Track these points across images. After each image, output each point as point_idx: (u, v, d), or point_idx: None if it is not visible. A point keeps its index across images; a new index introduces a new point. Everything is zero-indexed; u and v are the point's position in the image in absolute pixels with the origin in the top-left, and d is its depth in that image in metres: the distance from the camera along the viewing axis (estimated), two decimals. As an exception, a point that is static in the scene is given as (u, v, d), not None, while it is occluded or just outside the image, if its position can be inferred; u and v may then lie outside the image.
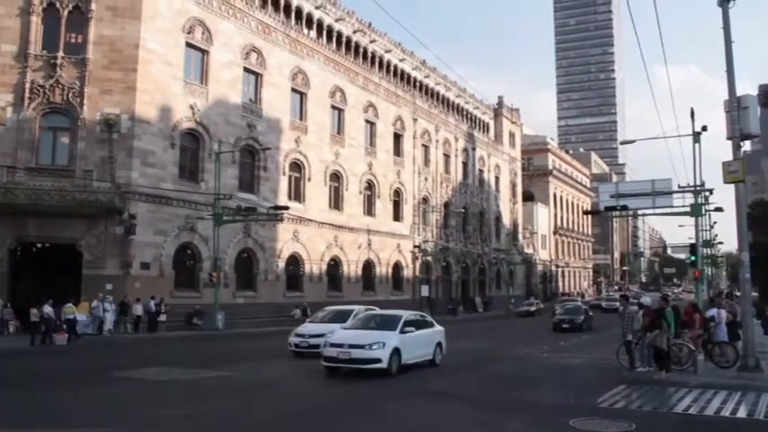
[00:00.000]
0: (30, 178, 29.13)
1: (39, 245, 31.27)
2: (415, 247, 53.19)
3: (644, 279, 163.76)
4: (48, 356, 21.63)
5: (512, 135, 77.63)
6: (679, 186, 30.95)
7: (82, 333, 26.97)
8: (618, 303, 44.11)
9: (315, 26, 44.52)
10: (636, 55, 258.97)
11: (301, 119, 42.04)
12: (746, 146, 28.69)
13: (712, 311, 19.22)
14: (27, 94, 29.71)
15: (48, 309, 25.16)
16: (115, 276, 30.24)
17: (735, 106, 15.21)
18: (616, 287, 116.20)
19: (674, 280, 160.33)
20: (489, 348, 25.35)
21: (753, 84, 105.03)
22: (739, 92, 15.39)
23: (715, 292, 43.78)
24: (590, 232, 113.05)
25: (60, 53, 30.27)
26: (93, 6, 30.76)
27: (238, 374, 16.50)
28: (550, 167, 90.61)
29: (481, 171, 68.15)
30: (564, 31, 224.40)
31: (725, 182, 15.41)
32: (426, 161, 56.74)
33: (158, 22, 32.30)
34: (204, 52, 35.19)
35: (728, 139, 15.52)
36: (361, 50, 49.44)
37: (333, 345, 16.05)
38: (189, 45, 34.32)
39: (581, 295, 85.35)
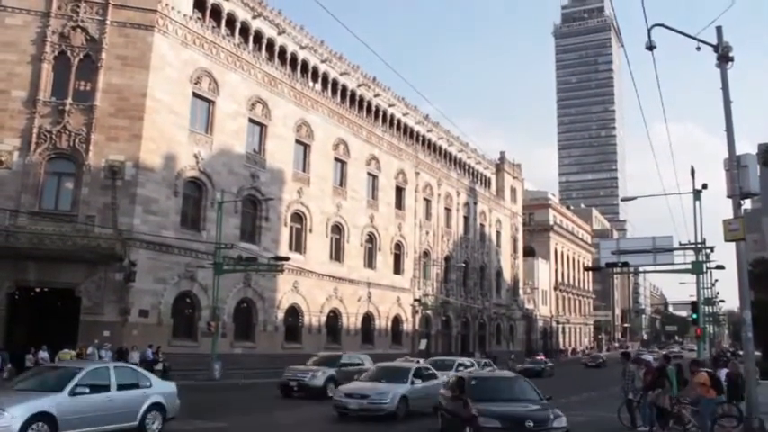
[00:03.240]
0: (32, 222, 29.21)
1: (37, 289, 31.09)
2: (415, 300, 52.93)
3: (645, 336, 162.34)
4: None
5: (513, 190, 78.01)
6: (680, 243, 31.07)
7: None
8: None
9: (320, 79, 45.20)
10: (636, 112, 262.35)
11: (304, 170, 42.35)
12: (747, 204, 28.91)
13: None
14: (34, 139, 30.03)
15: (43, 354, 24.94)
16: (113, 323, 30.02)
17: (735, 165, 15.31)
18: (617, 344, 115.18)
19: (676, 338, 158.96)
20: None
21: (752, 142, 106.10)
22: (739, 150, 15.52)
23: (717, 351, 43.37)
24: (591, 288, 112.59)
25: (69, 100, 30.71)
26: (104, 55, 31.34)
27: (232, 426, 16.25)
28: (551, 223, 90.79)
29: (482, 226, 68.25)
30: (565, 88, 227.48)
31: (726, 240, 15.42)
32: (428, 215, 56.89)
33: (166, 72, 32.84)
34: (210, 102, 35.67)
35: (729, 197, 15.59)
36: (366, 104, 50.08)
37: None
38: (195, 95, 34.80)
39: (582, 352, 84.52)
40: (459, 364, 27.71)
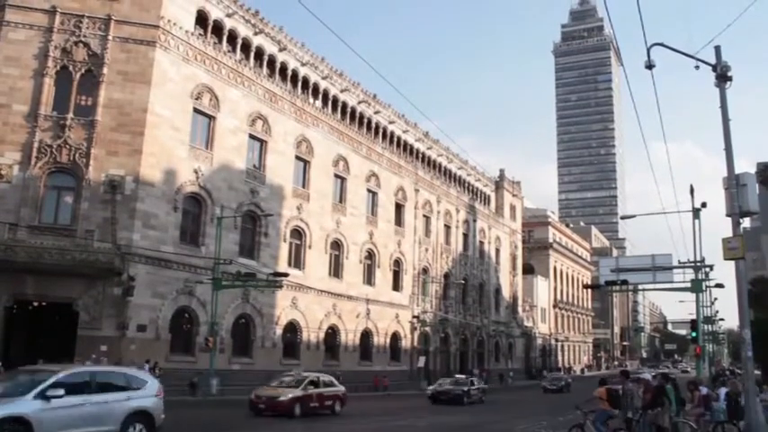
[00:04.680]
0: (31, 236, 29.18)
1: (35, 303, 31.04)
2: (413, 317, 52.79)
3: (644, 355, 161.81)
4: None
5: (513, 207, 78.06)
6: (679, 262, 31.01)
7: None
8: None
9: (320, 96, 45.33)
10: (635, 130, 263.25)
11: (304, 186, 42.40)
12: (746, 222, 28.96)
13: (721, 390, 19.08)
14: (34, 153, 30.08)
15: (40, 369, 24.76)
16: (111, 338, 29.92)
17: (734, 184, 15.34)
18: (616, 362, 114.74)
19: (675, 356, 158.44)
20: (482, 423, 24.80)
21: (749, 160, 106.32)
22: (738, 169, 15.55)
23: (717, 370, 43.20)
24: (590, 306, 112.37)
25: (70, 114, 30.79)
26: (105, 71, 31.48)
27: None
28: (551, 241, 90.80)
29: (482, 243, 68.23)
30: (565, 106, 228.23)
31: (725, 258, 15.41)
32: (427, 232, 56.87)
33: (168, 88, 32.96)
34: (211, 118, 35.76)
35: (728, 215, 15.61)
36: (366, 121, 50.21)
37: None
38: (196, 111, 34.90)
39: (582, 371, 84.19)
40: (54, 385, 12.55)
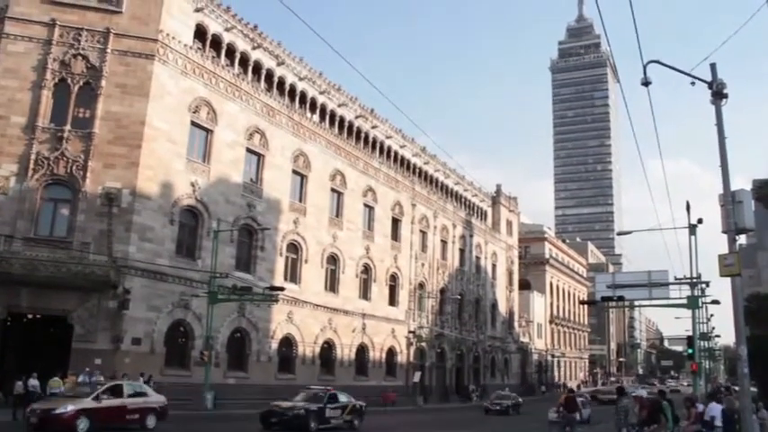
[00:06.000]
0: (26, 248, 29.07)
1: (30, 316, 30.86)
2: (409, 332, 52.63)
3: (641, 371, 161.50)
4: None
5: (509, 223, 78.09)
6: (675, 278, 31.05)
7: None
8: None
9: (318, 110, 45.42)
10: (631, 146, 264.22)
11: (301, 200, 42.37)
12: (742, 239, 28.97)
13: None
14: (31, 165, 30.01)
15: (33, 381, 24.68)
16: (105, 351, 29.73)
17: (730, 200, 15.38)
18: (612, 379, 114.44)
19: (672, 372, 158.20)
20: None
21: (745, 177, 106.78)
22: (733, 186, 15.60)
23: (712, 387, 43.08)
24: (586, 322, 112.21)
25: (67, 127, 30.77)
26: (103, 83, 31.49)
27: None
28: (547, 256, 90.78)
29: (478, 258, 68.17)
30: (562, 122, 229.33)
31: (721, 275, 15.43)
32: (424, 247, 56.82)
33: (165, 101, 32.99)
34: (208, 131, 35.78)
35: (724, 232, 15.65)
36: (363, 135, 50.30)
37: None
38: (194, 124, 34.91)
39: (578, 387, 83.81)
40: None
